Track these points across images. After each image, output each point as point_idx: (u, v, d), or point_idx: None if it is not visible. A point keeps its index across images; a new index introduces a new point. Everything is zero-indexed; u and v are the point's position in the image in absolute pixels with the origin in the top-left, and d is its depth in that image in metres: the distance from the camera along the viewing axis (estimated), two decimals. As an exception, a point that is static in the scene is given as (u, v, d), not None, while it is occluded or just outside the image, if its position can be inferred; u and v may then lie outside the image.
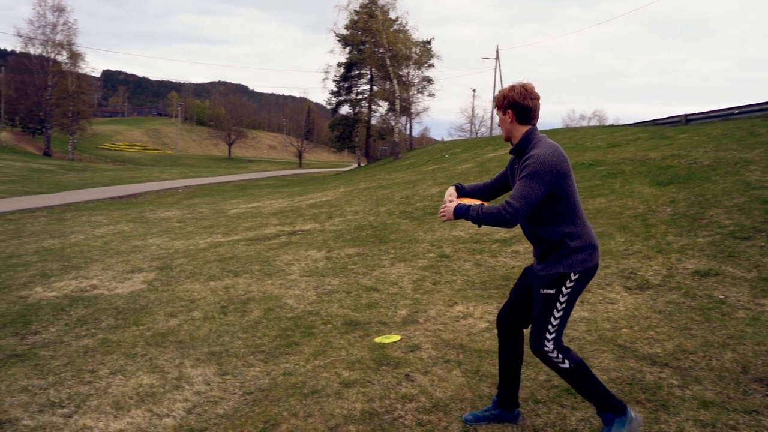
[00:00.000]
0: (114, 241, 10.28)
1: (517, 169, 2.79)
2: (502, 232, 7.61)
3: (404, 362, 3.90)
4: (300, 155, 79.98)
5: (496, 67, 45.66)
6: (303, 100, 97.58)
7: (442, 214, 2.84)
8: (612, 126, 20.98)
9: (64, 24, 52.07)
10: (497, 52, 45.87)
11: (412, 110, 43.23)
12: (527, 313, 2.93)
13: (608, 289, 5.16)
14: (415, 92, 43.61)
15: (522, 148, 2.78)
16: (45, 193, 20.55)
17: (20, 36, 53.44)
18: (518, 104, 2.76)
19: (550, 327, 2.72)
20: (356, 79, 48.55)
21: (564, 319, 2.73)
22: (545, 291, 2.73)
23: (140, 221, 13.43)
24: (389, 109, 43.06)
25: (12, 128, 73.38)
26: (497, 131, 50.82)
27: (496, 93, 2.85)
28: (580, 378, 2.75)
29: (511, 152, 2.87)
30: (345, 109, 49.52)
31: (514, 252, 6.70)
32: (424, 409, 3.24)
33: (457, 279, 5.95)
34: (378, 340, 4.37)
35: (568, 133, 19.71)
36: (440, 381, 3.59)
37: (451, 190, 2.98)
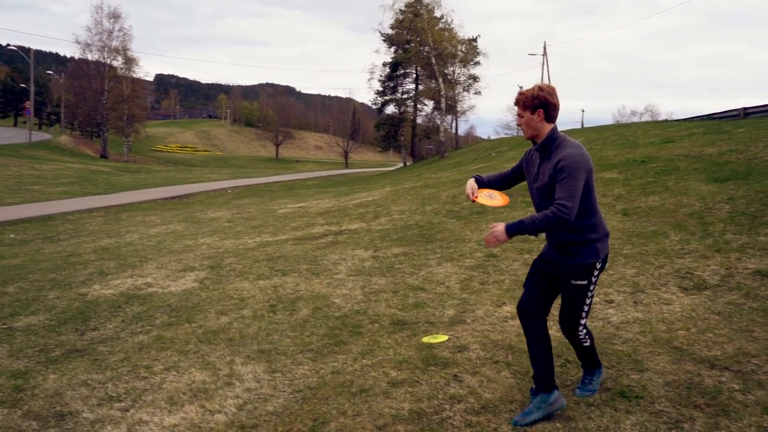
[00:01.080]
0: (167, 240, 10.57)
1: (542, 167, 2.94)
2: (551, 231, 7.48)
3: (452, 362, 3.87)
4: (346, 155, 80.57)
5: (543, 63, 44.95)
6: (348, 100, 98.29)
7: (491, 241, 2.86)
8: (665, 121, 20.36)
9: (120, 30, 53.94)
10: (544, 47, 45.15)
11: (458, 108, 42.93)
12: (549, 301, 3.11)
13: (663, 289, 5.00)
14: (461, 90, 43.31)
15: (548, 145, 2.94)
16: (102, 194, 21.30)
17: (79, 43, 55.67)
18: (549, 103, 2.91)
19: (583, 313, 3.05)
20: (401, 78, 48.57)
21: (591, 304, 3.07)
22: (577, 282, 2.96)
23: (192, 221, 13.77)
24: (435, 108, 42.86)
25: (71, 132, 76.53)
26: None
27: (518, 95, 2.98)
28: (589, 349, 3.19)
29: (536, 149, 3.00)
30: (390, 109, 49.61)
31: (563, 251, 6.56)
32: (473, 410, 3.21)
33: (505, 279, 5.88)
34: (425, 339, 4.35)
35: (618, 129, 19.23)
36: (489, 382, 3.55)
37: (473, 183, 3.06)
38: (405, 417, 3.17)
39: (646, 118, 70.79)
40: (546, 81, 44.18)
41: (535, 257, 3.31)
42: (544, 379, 3.06)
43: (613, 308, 4.74)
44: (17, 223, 13.80)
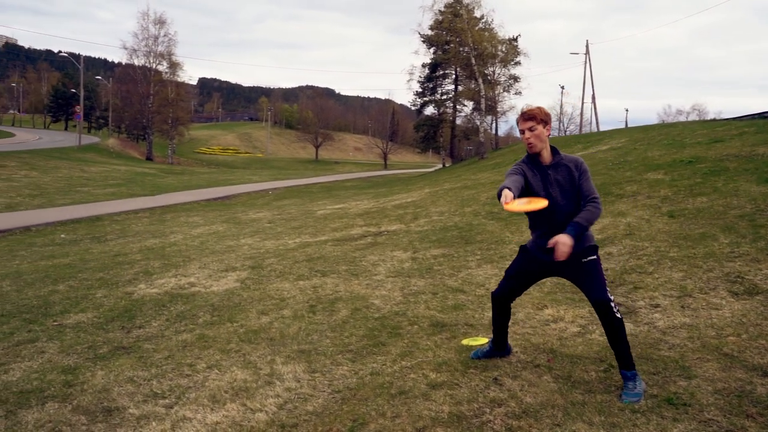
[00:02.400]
0: (209, 240, 10.77)
1: (555, 175, 3.35)
2: (594, 234, 7.33)
3: (492, 365, 3.83)
4: (385, 156, 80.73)
5: (585, 62, 44.13)
6: (387, 101, 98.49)
7: (565, 252, 3.19)
8: (713, 120, 19.74)
9: (165, 36, 55.44)
10: (587, 46, 44.33)
11: (498, 109, 42.50)
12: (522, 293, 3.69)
13: (712, 294, 4.85)
14: (501, 91, 42.88)
15: (555, 155, 3.39)
16: (147, 195, 21.86)
17: (126, 48, 57.55)
18: (550, 119, 3.44)
19: (606, 282, 3.34)
20: (441, 79, 48.37)
21: None
22: (589, 258, 3.34)
23: (233, 222, 14.01)
24: (474, 109, 42.53)
25: (118, 135, 78.77)
26: (587, 128, 49.06)
27: (536, 109, 3.37)
28: (624, 330, 3.30)
29: (538, 161, 3.39)
30: (430, 110, 49.48)
31: (606, 254, 6.43)
32: (514, 414, 3.17)
33: (546, 281, 5.78)
34: (465, 342, 4.32)
35: (664, 129, 18.74)
36: (530, 386, 3.50)
37: (508, 193, 3.14)
38: (444, 420, 3.15)
39: (692, 117, 68.86)
40: (589, 80, 43.39)
41: (517, 258, 3.63)
42: (502, 342, 3.82)
43: (659, 312, 4.62)
44: (67, 224, 14.28)
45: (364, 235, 10.08)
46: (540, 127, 3.34)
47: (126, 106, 60.62)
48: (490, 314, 4.97)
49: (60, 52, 60.18)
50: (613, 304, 3.26)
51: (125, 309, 5.84)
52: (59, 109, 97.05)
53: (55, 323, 5.46)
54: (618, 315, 3.27)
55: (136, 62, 55.47)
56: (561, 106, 65.45)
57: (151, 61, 55.17)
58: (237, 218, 14.86)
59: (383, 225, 11.10)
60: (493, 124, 47.16)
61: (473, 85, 38.63)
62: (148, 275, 7.48)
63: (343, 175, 47.45)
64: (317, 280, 6.64)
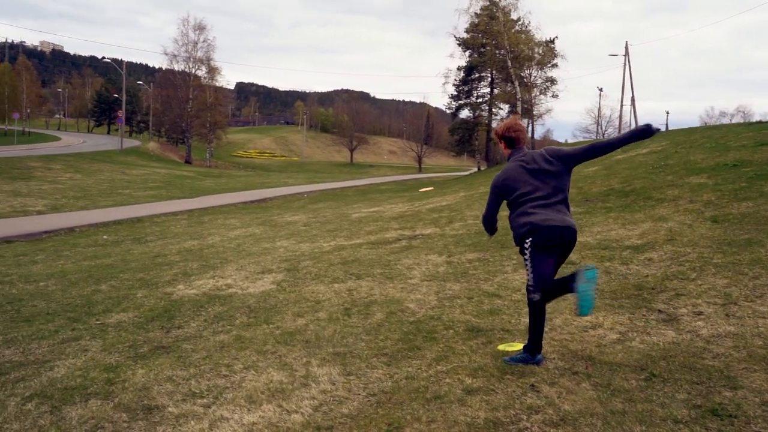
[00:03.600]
0: (246, 243, 10.92)
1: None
2: (634, 239, 7.18)
3: (529, 372, 3.78)
4: (419, 160, 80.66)
5: (625, 64, 43.34)
6: (422, 105, 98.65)
7: None
8: (760, 123, 19.14)
9: (204, 41, 56.62)
10: (626, 48, 43.53)
11: (535, 112, 42.03)
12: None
13: (758, 301, 4.69)
14: (538, 93, 42.39)
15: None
16: (186, 198, 22.29)
17: (166, 54, 58.78)
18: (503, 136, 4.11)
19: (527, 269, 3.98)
20: (476, 82, 48.09)
21: None
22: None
23: (269, 224, 14.17)
24: (510, 112, 42.17)
25: (158, 138, 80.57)
26: (626, 130, 48.06)
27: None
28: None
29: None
30: (465, 113, 49.23)
31: (647, 259, 6.29)
32: (551, 421, 3.12)
33: (584, 287, 5.68)
34: (501, 347, 4.27)
35: (707, 131, 18.26)
36: (568, 393, 3.44)
37: None
38: (480, 426, 3.12)
39: (737, 119, 66.93)
40: (628, 82, 42.59)
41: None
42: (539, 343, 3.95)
43: (702, 320, 4.49)
44: (109, 225, 14.66)
45: (398, 238, 10.08)
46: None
47: (166, 110, 61.99)
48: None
49: (104, 58, 62.20)
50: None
51: (165, 309, 5.96)
52: (102, 113, 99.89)
53: (98, 322, 5.60)
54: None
55: (176, 67, 56.74)
56: (599, 109, 64.25)
57: (191, 66, 56.36)
58: (273, 221, 15.03)
59: (418, 229, 11.08)
60: (530, 127, 46.68)
61: (509, 88, 38.34)
62: (186, 276, 7.62)
63: (377, 178, 47.57)
64: (352, 283, 6.66)
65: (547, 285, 3.81)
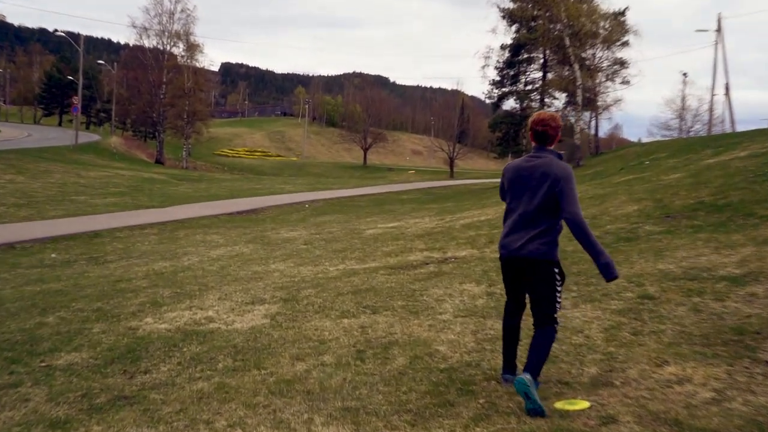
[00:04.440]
0: (232, 265, 10.95)
1: None
2: (731, 268, 7.07)
3: (596, 438, 3.71)
4: (451, 162, 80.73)
5: (717, 42, 43.10)
6: (455, 93, 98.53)
7: None
8: None
9: (182, 11, 57.28)
10: (719, 21, 43.33)
11: (599, 103, 41.95)
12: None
13: None
14: (603, 79, 42.35)
15: None
16: (156, 207, 22.48)
17: (134, 27, 59.53)
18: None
19: None
20: (525, 64, 48.10)
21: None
22: None
23: (261, 242, 14.21)
24: (568, 102, 42.13)
25: (123, 132, 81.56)
26: (719, 128, 47.72)
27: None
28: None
29: None
30: (510, 104, 49.24)
31: (749, 295, 6.18)
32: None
33: (666, 329, 5.61)
34: (559, 405, 4.21)
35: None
36: (648, 468, 3.36)
37: None
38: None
39: None
40: (721, 65, 42.37)
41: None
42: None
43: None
44: (59, 241, 14.80)
45: (425, 262, 10.04)
46: None
47: (133, 97, 62.88)
48: (591, 369, 4.85)
49: (56, 31, 63.03)
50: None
51: (128, 348, 5.97)
52: (53, 100, 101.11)
53: (43, 364, 5.62)
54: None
55: (147, 44, 57.57)
56: (683, 99, 63.22)
57: (165, 42, 57.20)
58: (266, 237, 15.08)
59: (450, 250, 11.04)
60: (593, 122, 46.60)
61: (567, 72, 38.30)
62: (156, 307, 7.64)
63: (398, 185, 47.65)
64: (366, 319, 6.63)
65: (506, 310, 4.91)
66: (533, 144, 4.66)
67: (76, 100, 53.44)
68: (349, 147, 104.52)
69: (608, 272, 4.28)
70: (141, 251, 13.34)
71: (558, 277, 4.49)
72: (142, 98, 58.44)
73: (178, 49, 57.82)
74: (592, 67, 39.46)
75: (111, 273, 10.60)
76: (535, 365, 4.36)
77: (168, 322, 6.90)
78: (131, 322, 6.96)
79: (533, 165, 4.53)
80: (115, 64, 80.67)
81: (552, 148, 4.61)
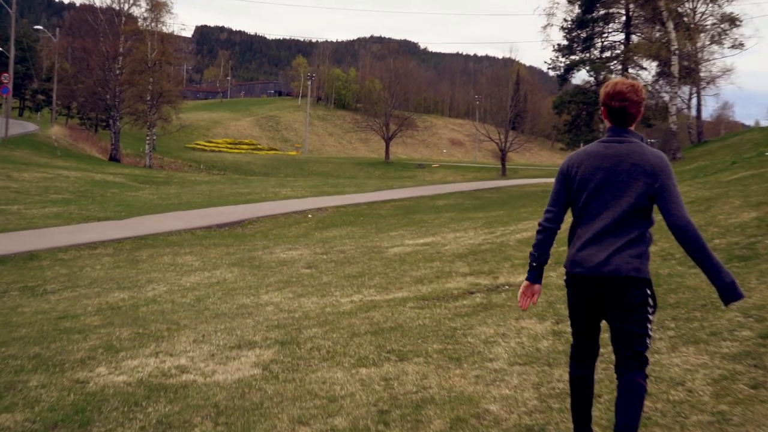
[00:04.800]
0: (211, 296, 10.98)
1: None
2: None
3: None
4: (503, 156, 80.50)
5: None
6: (507, 63, 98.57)
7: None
8: None
9: (145, -41, 57.54)
10: None
11: (702, 74, 41.74)
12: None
13: None
14: (708, 42, 42.15)
15: None
16: (111, 219, 22.59)
17: (83, -19, 59.91)
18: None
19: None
20: (601, 23, 48.04)
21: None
22: None
23: (249, 265, 14.24)
24: (660, 74, 41.96)
25: (67, 120, 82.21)
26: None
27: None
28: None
29: None
30: (581, 76, 49.22)
31: None
32: None
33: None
34: (653, 485, 4.17)
35: None
36: None
37: (532, 288, 4.90)
38: None
39: None
40: None
41: None
42: None
43: None
44: (-15, 264, 14.92)
45: (469, 290, 10.01)
46: None
47: (80, 74, 63.35)
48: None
49: (-21, -13, 63.64)
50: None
51: (75, 408, 5.99)
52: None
53: (-36, 429, 5.65)
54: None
55: (98, 2, 58.01)
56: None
57: (122, 0, 57.47)
58: (255, 259, 15.10)
59: (502, 274, 11.00)
60: (693, 100, 46.30)
61: (658, 33, 38.09)
62: (111, 352, 7.67)
63: (432, 187, 47.58)
64: (391, 368, 6.62)
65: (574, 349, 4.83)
66: (608, 124, 4.55)
67: (6, 79, 53.86)
68: (365, 137, 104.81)
69: (733, 293, 4.12)
70: (91, 278, 13.41)
71: (651, 302, 4.38)
72: (93, 75, 58.78)
73: (140, 9, 58.65)
74: (691, 26, 39.27)
75: (52, 307, 10.66)
76: (625, 430, 4.23)
77: (127, 372, 6.92)
78: (79, 372, 6.98)
79: (617, 153, 4.39)
80: (58, 30, 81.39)
81: (633, 129, 4.50)
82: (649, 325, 4.34)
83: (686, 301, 7.94)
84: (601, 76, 47.58)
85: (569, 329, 7.43)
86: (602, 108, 4.55)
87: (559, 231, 4.79)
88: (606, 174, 4.38)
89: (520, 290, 4.83)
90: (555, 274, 10.38)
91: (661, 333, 7.02)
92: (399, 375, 6.41)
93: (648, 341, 4.34)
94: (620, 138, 4.45)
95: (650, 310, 4.36)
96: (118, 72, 56.75)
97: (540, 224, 4.83)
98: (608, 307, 4.41)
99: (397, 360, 6.86)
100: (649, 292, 4.35)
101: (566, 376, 6.06)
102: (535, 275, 4.89)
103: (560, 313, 8.06)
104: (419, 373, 6.44)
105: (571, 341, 4.82)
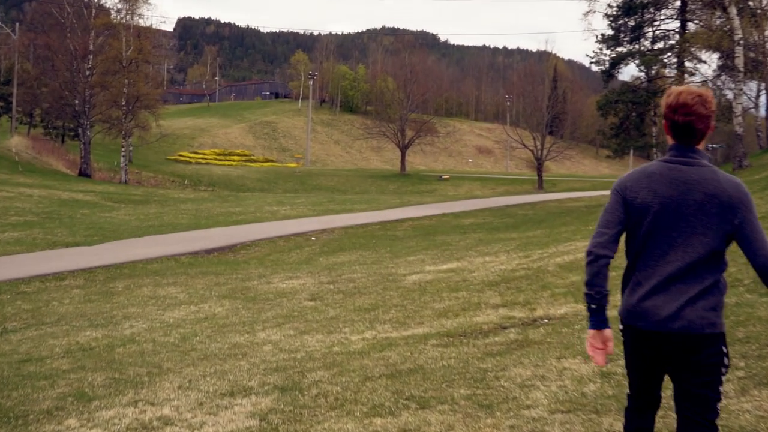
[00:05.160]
0: (198, 334, 10.97)
1: None
2: None
3: None
4: (539, 166, 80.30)
5: None
6: (543, 56, 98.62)
7: None
8: None
9: (117, -61, 57.85)
10: None
11: (772, 68, 41.61)
12: None
13: None
14: (779, 30, 42.01)
15: None
16: (81, 245, 22.65)
17: (46, -32, 60.25)
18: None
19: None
20: (652, 9, 48.01)
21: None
22: None
23: (243, 297, 14.23)
24: (722, 68, 41.91)
25: (30, 130, 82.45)
26: None
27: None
28: None
29: None
30: (630, 71, 49.36)
31: None
32: None
33: None
34: None
35: None
36: None
37: (601, 335, 4.38)
38: None
39: None
40: None
41: None
42: None
43: None
44: (-65, 299, 14.96)
45: (501, 325, 9.99)
46: None
47: (44, 75, 63.54)
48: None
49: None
50: None
51: (41, 468, 5.99)
52: None
53: None
54: None
55: (65, -6, 58.03)
56: None
57: (92, -11, 57.61)
58: (250, 290, 15.10)
59: (540, 306, 10.97)
60: (762, 98, 46.18)
61: (719, 21, 38.07)
62: (83, 401, 7.67)
63: (456, 203, 47.52)
64: (410, 417, 6.60)
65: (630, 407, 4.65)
66: (670, 141, 4.31)
67: (-44, 82, 54.31)
68: (378, 145, 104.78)
69: None
70: (59, 314, 13.42)
71: (725, 361, 4.19)
72: (58, 76, 58.94)
73: (112, 0, 58.53)
74: (758, 11, 39.18)
75: (13, 349, 10.67)
76: None
77: (102, 425, 6.92)
78: (46, 426, 6.98)
79: (685, 179, 4.16)
80: (18, 25, 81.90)
81: (702, 146, 4.24)
82: (721, 388, 4.18)
83: (757, 335, 7.90)
84: (653, 71, 47.60)
85: (621, 370, 7.43)
86: (664, 121, 4.29)
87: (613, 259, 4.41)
88: (672, 204, 4.17)
89: (588, 343, 4.42)
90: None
91: (731, 374, 6.98)
92: (420, 426, 6.39)
93: (719, 406, 4.19)
94: (687, 159, 4.22)
95: (724, 370, 4.19)
96: (87, 73, 56.90)
97: (590, 251, 4.41)
98: (675, 365, 4.23)
99: (418, 408, 6.84)
100: (724, 349, 4.17)
101: (618, 426, 6.04)
102: (599, 319, 4.39)
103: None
104: (444, 423, 6.42)
105: (626, 389, 4.74)
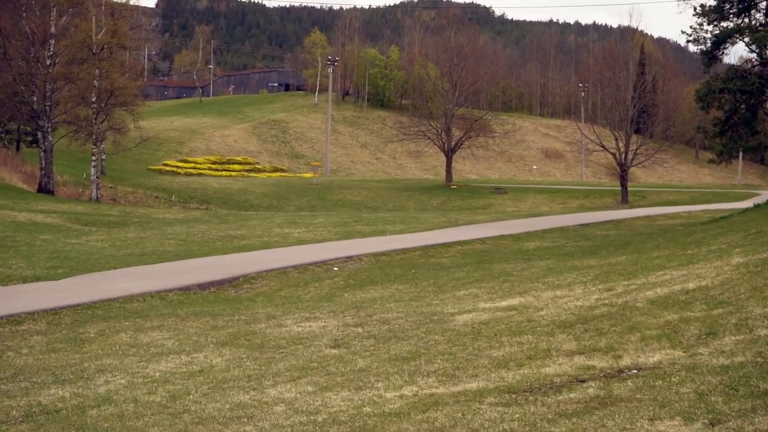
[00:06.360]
0: (192, 391, 11.01)
1: None
2: None
3: None
4: (623, 174, 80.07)
5: None
6: (627, 34, 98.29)
7: None
8: None
9: None
10: None
11: None
12: None
13: None
14: None
15: None
16: (42, 279, 22.77)
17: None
18: None
19: None
20: (764, -24, 47.91)
21: None
22: None
23: (247, 344, 14.27)
24: None
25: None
26: None
27: None
28: None
29: None
30: (737, 52, 49.12)
31: None
32: None
33: None
34: None
35: None
36: None
37: None
38: None
39: None
40: None
41: None
42: None
43: None
44: None
45: (578, 377, 9.98)
46: None
47: (-5, 66, 63.89)
48: None
49: None
50: None
51: None
52: None
53: None
54: None
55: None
56: None
57: (53, -43, 58.08)
58: (257, 335, 15.13)
59: (627, 352, 10.95)
60: None
61: None
62: (47, 478, 7.73)
63: (517, 221, 47.48)
64: (464, 497, 6.61)
65: None
66: None
67: None
68: (416, 148, 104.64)
69: None
70: (15, 367, 13.50)
71: None
72: (12, 67, 59.11)
73: (79, -30, 58.88)
74: None
75: (-41, 412, 10.75)
76: None
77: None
78: None
79: None
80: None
81: None
82: None
83: None
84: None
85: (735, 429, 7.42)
86: None
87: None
88: None
89: None
90: (707, 351, 10.33)
91: None
92: (476, 507, 6.40)
93: None
94: None
95: None
96: (48, 62, 57.11)
97: None
98: None
99: (473, 484, 6.86)
100: None
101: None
102: None
103: (716, 410, 8.00)
104: (506, 503, 6.43)
105: None
